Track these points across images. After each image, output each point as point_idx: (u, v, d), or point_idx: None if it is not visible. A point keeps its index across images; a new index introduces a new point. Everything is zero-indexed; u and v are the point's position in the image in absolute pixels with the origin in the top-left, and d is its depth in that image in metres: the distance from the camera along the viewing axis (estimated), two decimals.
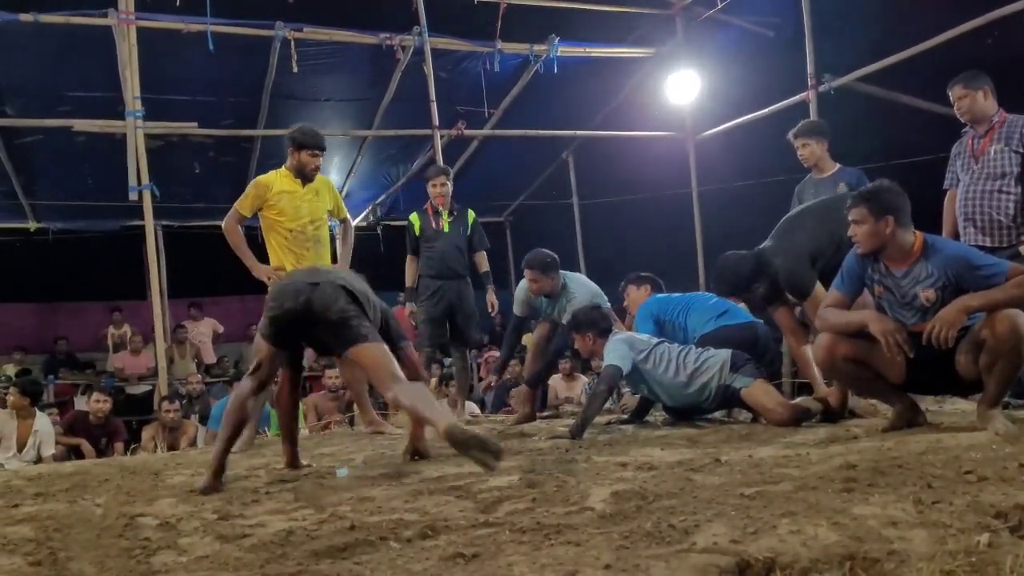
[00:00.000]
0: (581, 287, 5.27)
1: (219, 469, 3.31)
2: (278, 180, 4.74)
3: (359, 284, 3.55)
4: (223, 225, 4.72)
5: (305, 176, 4.74)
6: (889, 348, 3.23)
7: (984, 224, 4.46)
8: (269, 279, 4.61)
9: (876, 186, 3.48)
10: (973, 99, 4.50)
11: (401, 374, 3.32)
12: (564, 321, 5.17)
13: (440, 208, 6.06)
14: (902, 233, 3.37)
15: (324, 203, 4.82)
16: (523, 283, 5.35)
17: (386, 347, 3.40)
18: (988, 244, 4.38)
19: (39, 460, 6.60)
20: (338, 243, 5.06)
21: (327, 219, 4.88)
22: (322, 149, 4.78)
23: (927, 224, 3.60)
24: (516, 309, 5.46)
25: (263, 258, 4.78)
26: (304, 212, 4.72)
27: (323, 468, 3.59)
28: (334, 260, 4.96)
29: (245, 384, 3.54)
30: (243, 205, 4.72)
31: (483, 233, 6.29)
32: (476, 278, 6.25)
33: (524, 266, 5.26)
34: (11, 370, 11.27)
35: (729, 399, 4.45)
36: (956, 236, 4.56)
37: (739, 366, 4.36)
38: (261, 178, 4.79)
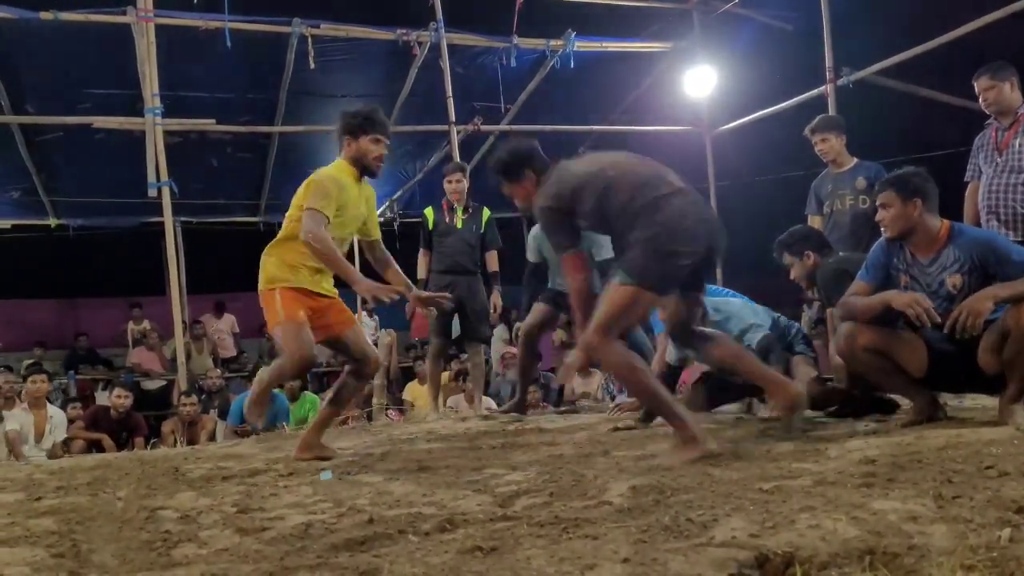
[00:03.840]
0: None
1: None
2: (341, 176, 3.80)
3: None
4: (310, 236, 3.55)
5: (367, 169, 3.83)
6: (916, 318, 3.21)
7: (1007, 217, 4.42)
8: (389, 299, 3.58)
9: (903, 171, 3.48)
10: (1000, 90, 4.44)
11: None
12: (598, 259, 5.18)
13: (455, 204, 6.06)
14: (929, 218, 3.37)
15: (368, 212, 3.98)
16: (534, 230, 5.23)
17: None
18: (1011, 237, 4.32)
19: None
20: (387, 266, 4.04)
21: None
22: (387, 135, 3.86)
23: (948, 217, 3.57)
24: (529, 256, 5.40)
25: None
26: (355, 217, 3.86)
27: (341, 463, 3.60)
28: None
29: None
30: (326, 206, 3.63)
31: (496, 232, 6.20)
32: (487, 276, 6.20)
33: None
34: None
35: (783, 355, 4.42)
36: None
37: (799, 338, 4.54)
38: (325, 171, 3.81)
